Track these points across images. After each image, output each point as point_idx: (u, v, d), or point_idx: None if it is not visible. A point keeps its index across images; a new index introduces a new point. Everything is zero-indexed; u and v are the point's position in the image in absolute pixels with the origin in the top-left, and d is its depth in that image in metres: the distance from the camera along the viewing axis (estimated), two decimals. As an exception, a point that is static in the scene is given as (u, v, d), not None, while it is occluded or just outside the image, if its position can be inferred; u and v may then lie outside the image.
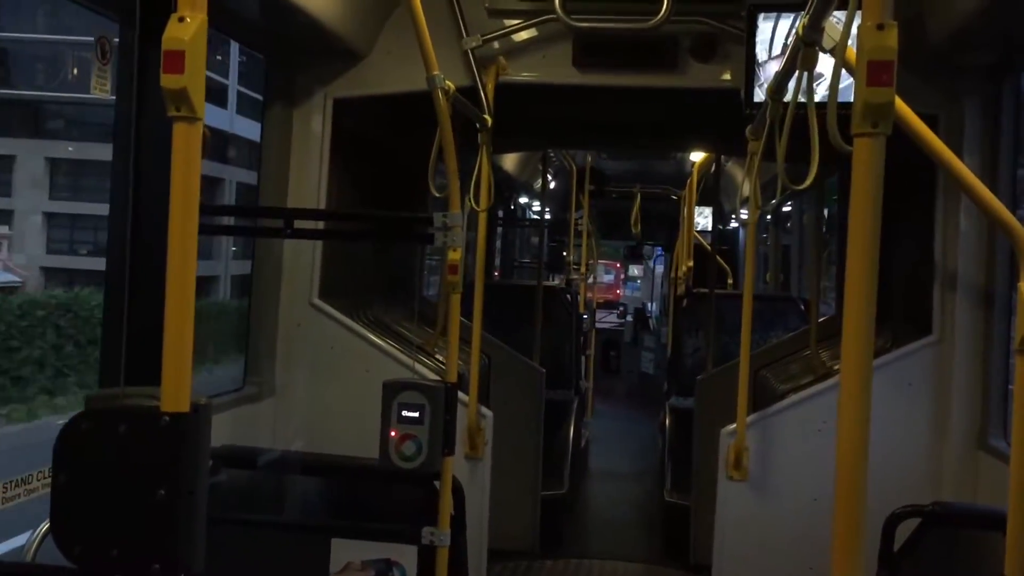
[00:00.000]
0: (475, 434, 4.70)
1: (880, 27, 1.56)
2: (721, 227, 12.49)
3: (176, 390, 1.68)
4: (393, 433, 3.28)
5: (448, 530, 3.33)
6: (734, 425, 4.60)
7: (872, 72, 1.54)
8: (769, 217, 12.01)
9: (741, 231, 13.51)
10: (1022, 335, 2.62)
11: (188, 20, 1.70)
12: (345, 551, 3.42)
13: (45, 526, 2.25)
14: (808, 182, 2.50)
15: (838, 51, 2.04)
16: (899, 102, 2.73)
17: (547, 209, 15.00)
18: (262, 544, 3.48)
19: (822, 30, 2.47)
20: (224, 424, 4.27)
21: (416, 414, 3.30)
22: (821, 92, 2.88)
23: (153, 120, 1.79)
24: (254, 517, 3.52)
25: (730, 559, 4.63)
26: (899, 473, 4.35)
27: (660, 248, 19.80)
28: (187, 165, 1.71)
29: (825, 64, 2.62)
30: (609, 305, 22.38)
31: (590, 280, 13.58)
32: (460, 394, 4.49)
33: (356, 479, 3.66)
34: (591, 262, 14.16)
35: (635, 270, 27.47)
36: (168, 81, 1.67)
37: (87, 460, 1.71)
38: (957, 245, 4.41)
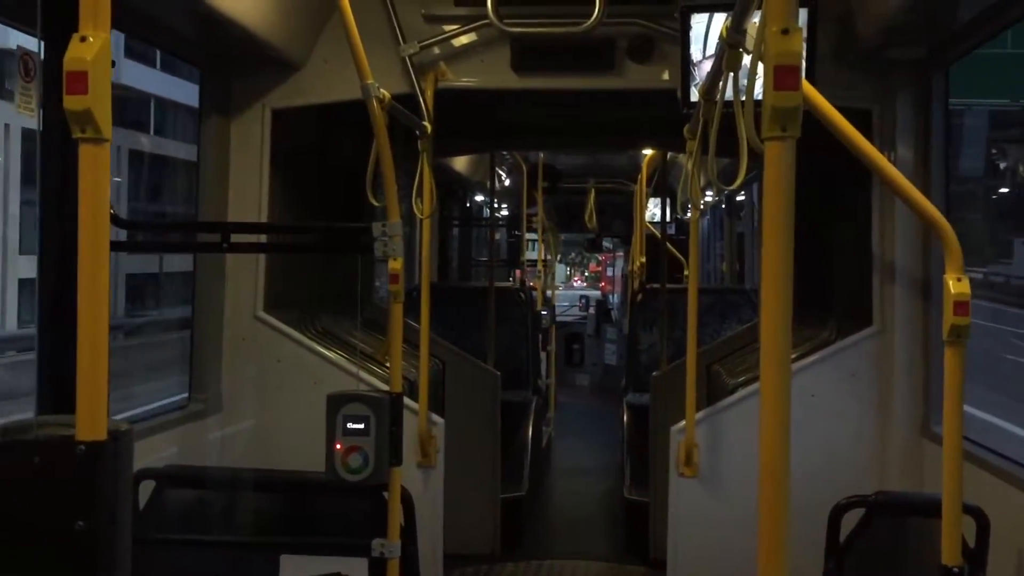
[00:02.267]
0: (426, 442, 4.68)
1: (785, 31, 1.57)
2: (679, 217, 12.55)
3: (91, 418, 1.65)
4: (338, 446, 3.26)
5: (398, 541, 3.32)
6: (683, 422, 4.63)
7: (778, 76, 1.55)
8: (724, 206, 12.10)
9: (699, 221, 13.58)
10: (949, 325, 2.67)
11: (91, 39, 1.66)
12: (295, 567, 3.39)
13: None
14: (738, 182, 2.52)
15: (753, 54, 2.05)
16: (827, 104, 2.77)
17: (504, 206, 14.98)
18: (210, 564, 3.44)
19: (744, 32, 2.49)
20: (169, 443, 4.21)
21: (361, 426, 3.28)
22: (755, 91, 2.91)
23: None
24: (201, 537, 3.48)
25: (684, 554, 4.66)
26: (845, 463, 4.41)
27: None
28: (95, 187, 1.68)
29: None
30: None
31: (548, 277, 13.58)
32: (410, 402, 4.48)
33: (304, 494, 3.62)
34: (548, 258, 14.16)
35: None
36: (71, 103, 1.63)
37: (1, 494, 1.66)
38: (894, 238, 4.49)
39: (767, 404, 1.66)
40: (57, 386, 2.68)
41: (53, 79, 2.61)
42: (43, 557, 1.65)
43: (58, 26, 2.30)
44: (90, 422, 1.64)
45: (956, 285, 2.66)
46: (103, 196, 1.69)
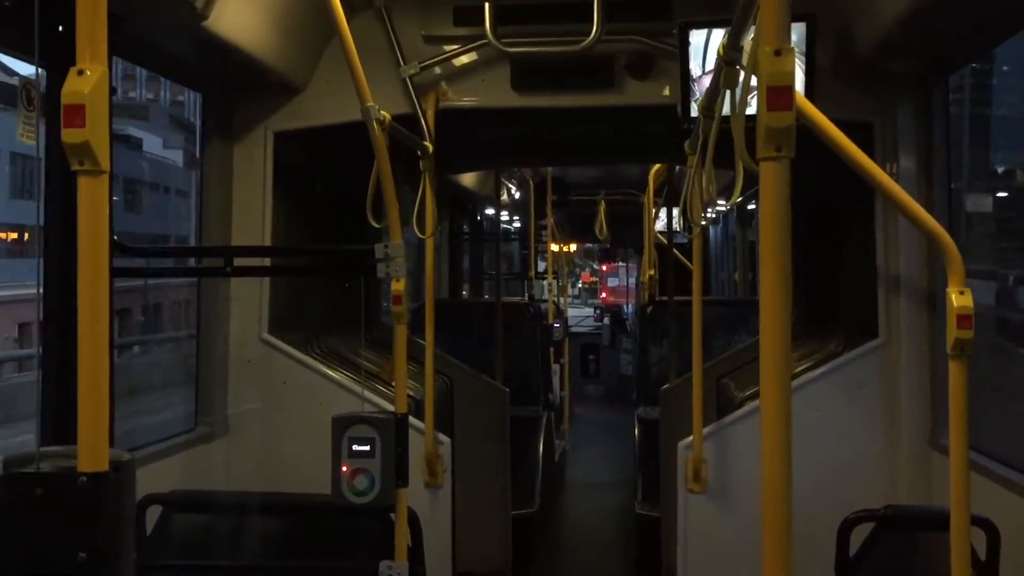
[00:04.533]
0: (433, 461, 4.67)
1: (778, 53, 1.57)
2: (686, 233, 12.57)
3: (93, 449, 1.65)
4: (344, 468, 3.26)
5: (406, 562, 3.31)
6: (691, 438, 4.61)
7: (771, 97, 1.56)
8: (736, 214, 12.09)
9: (711, 230, 13.57)
10: (953, 339, 2.65)
11: (88, 73, 1.67)
12: None
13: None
14: (734, 199, 2.52)
15: (747, 73, 2.06)
16: (826, 120, 2.77)
17: (515, 219, 14.99)
18: None
19: (742, 49, 2.49)
20: (176, 467, 4.21)
21: (367, 447, 3.28)
22: (753, 108, 2.91)
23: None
24: (208, 562, 3.47)
25: (694, 571, 4.63)
26: (854, 476, 4.39)
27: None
28: (94, 218, 1.69)
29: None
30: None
31: (558, 296, 13.57)
32: (416, 421, 4.47)
33: (311, 516, 3.62)
34: (558, 270, 14.17)
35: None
36: (69, 136, 1.65)
37: (3, 526, 1.66)
38: (898, 250, 4.48)
39: (767, 422, 1.66)
40: (60, 415, 2.69)
41: (54, 109, 2.62)
42: None
43: (58, 56, 2.32)
44: (92, 453, 1.64)
45: (959, 298, 2.64)
46: (102, 227, 1.70)
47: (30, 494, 1.64)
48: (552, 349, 10.61)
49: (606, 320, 17.61)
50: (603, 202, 12.02)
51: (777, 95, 1.56)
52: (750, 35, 2.47)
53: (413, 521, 3.44)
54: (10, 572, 1.66)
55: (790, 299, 1.64)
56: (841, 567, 3.37)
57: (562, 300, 14.57)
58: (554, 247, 13.92)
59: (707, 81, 3.96)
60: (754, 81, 2.30)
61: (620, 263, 26.69)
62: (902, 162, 4.39)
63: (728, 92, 2.62)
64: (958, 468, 2.67)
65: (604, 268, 29.71)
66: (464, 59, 4.84)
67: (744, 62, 2.53)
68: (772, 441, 1.64)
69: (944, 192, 4.33)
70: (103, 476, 1.65)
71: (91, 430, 1.66)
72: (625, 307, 21.06)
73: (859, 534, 3.41)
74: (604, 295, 28.95)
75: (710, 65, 3.96)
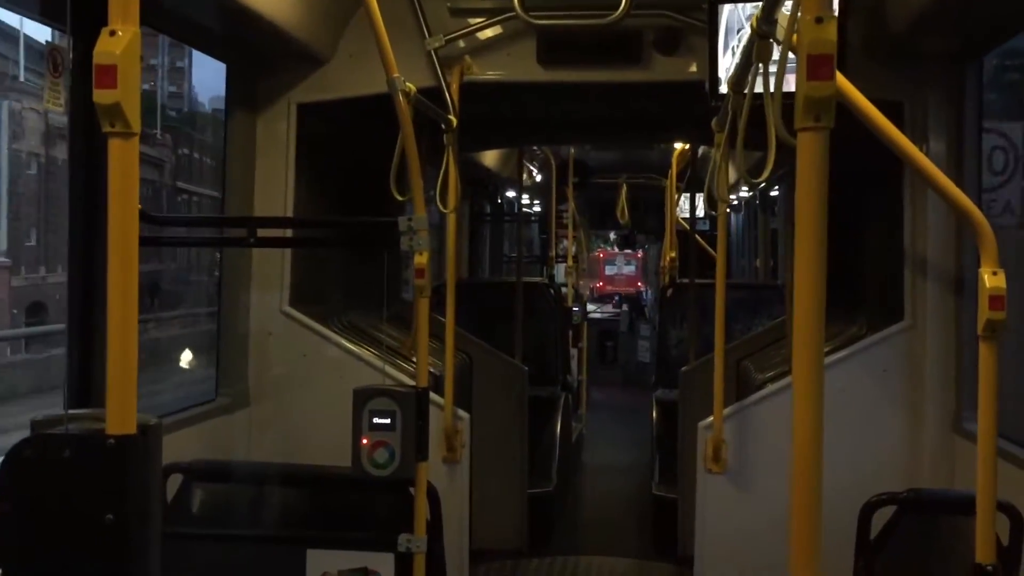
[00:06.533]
0: (452, 437, 4.68)
1: (819, 20, 1.54)
2: (713, 213, 12.51)
3: (121, 411, 1.65)
4: (365, 441, 3.27)
5: (424, 536, 3.32)
6: (711, 418, 4.60)
7: (812, 66, 1.53)
8: (757, 202, 12.02)
9: (732, 219, 13.50)
10: (985, 320, 2.62)
11: (120, 33, 1.66)
12: (321, 562, 3.40)
13: None
14: (765, 175, 2.49)
15: (784, 44, 2.02)
16: (859, 95, 2.73)
17: (535, 202, 14.95)
18: (237, 558, 3.45)
19: (775, 22, 2.45)
20: (197, 437, 4.24)
21: (387, 420, 3.29)
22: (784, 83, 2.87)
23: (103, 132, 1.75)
24: (228, 531, 3.49)
25: (712, 552, 4.63)
26: (875, 459, 4.37)
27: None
28: (124, 181, 1.68)
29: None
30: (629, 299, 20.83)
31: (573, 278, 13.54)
32: (436, 397, 4.48)
33: (331, 488, 3.64)
34: (577, 254, 14.14)
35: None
36: (101, 96, 1.64)
37: (32, 487, 1.67)
38: (926, 232, 4.43)
39: (800, 400, 1.64)
40: (84, 380, 2.70)
41: (82, 74, 2.62)
42: (73, 549, 1.66)
43: (87, 21, 2.31)
44: (120, 416, 1.65)
45: (991, 279, 2.61)
46: (132, 191, 1.69)
47: (58, 455, 1.65)
48: (571, 333, 10.61)
49: (624, 307, 17.55)
50: (624, 186, 11.95)
51: (817, 64, 1.52)
52: (784, 8, 2.43)
53: (432, 495, 3.45)
54: (38, 532, 1.67)
55: (824, 274, 1.61)
56: (862, 549, 3.36)
57: (580, 283, 14.55)
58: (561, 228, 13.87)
59: (737, 57, 3.91)
60: (779, 51, 2.27)
61: (618, 251, 25.63)
62: (932, 143, 4.33)
63: (760, 67, 2.58)
64: (986, 451, 2.64)
65: (600, 255, 28.34)
66: (489, 32, 4.80)
67: (778, 35, 2.49)
68: (804, 420, 1.62)
69: (974, 175, 4.27)
70: (130, 439, 1.65)
71: (119, 394, 1.66)
72: (644, 293, 20.84)
73: (880, 517, 3.39)
74: (600, 284, 27.49)
75: (739, 41, 3.90)
